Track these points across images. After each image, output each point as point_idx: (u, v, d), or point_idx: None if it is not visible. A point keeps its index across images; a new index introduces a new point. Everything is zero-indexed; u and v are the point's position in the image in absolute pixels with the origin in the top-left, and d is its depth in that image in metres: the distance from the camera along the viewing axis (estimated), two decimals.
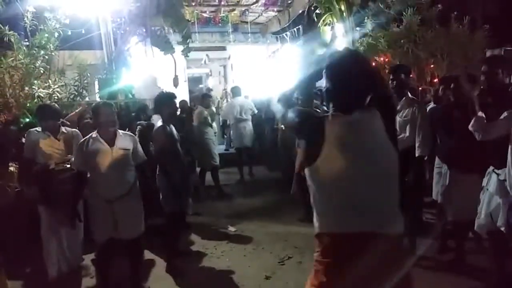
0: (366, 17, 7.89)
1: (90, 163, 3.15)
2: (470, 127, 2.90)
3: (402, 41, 7.32)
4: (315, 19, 8.71)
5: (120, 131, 3.31)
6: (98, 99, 6.97)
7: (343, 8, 7.90)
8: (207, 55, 13.23)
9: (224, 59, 13.98)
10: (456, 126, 3.40)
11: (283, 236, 4.54)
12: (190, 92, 12.62)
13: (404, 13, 7.35)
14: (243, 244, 4.47)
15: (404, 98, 3.68)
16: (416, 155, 3.58)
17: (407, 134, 3.61)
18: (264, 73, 11.77)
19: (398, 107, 3.67)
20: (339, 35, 8.12)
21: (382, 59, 7.66)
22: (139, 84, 7.89)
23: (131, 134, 3.49)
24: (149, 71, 8.59)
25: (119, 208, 3.12)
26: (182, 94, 9.24)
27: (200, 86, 15.33)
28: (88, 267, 3.99)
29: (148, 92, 7.57)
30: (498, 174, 2.94)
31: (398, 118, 3.64)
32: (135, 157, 3.30)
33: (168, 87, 8.02)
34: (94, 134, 3.21)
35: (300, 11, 9.84)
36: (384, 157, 1.57)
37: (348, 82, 1.59)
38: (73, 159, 3.52)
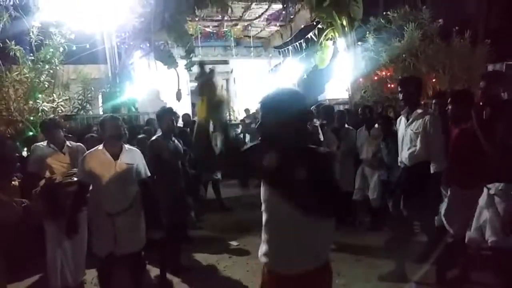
0: (367, 32, 7.96)
1: (93, 176, 3.15)
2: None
3: (404, 55, 7.38)
4: (317, 34, 8.81)
5: (126, 146, 3.32)
6: (101, 113, 7.02)
7: (344, 23, 7.99)
8: (210, 69, 13.34)
9: (226, 73, 14.10)
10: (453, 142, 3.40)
11: None
12: (193, 105, 12.71)
13: (405, 27, 7.41)
14: (246, 258, 4.43)
15: (415, 110, 3.59)
16: (432, 171, 3.42)
17: (418, 147, 3.48)
18: (266, 87, 11.84)
19: (410, 119, 3.59)
20: (341, 50, 8.19)
21: (384, 73, 7.70)
22: (143, 98, 7.95)
23: (137, 149, 3.49)
24: (152, 85, 8.67)
25: (119, 222, 3.10)
26: (185, 108, 9.31)
27: None
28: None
29: (152, 105, 7.61)
30: (488, 189, 2.96)
31: (409, 131, 3.58)
32: (139, 172, 3.30)
33: (171, 101, 8.09)
34: (100, 147, 3.22)
35: (302, 26, 9.96)
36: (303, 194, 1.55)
37: (274, 119, 1.64)
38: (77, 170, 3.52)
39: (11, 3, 5.99)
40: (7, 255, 3.22)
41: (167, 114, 3.98)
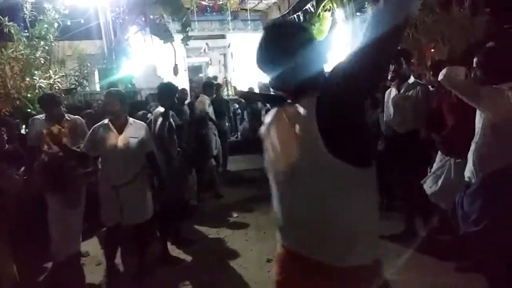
0: (366, 2, 7.82)
1: (99, 149, 3.23)
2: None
3: None
4: (315, 5, 8.66)
5: (131, 119, 3.37)
6: (98, 89, 7.00)
7: None
8: (206, 44, 13.18)
9: (224, 48, 13.92)
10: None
11: None
12: (190, 81, 12.63)
13: None
14: (245, 229, 4.54)
15: (407, 81, 3.70)
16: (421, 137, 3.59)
17: (410, 116, 3.62)
18: None
19: (402, 90, 3.69)
20: (339, 21, 8.08)
21: None
22: (139, 74, 7.90)
23: (142, 122, 3.54)
24: (148, 60, 8.59)
25: (124, 194, 3.18)
26: (182, 83, 9.24)
27: (200, 75, 15.30)
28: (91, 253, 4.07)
29: (148, 81, 7.58)
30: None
31: (401, 100, 3.67)
32: (145, 145, 3.35)
33: (168, 76, 8.04)
34: (106, 120, 3.29)
35: None
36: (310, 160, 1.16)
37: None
38: (82, 144, 3.57)
39: None
40: (9, 228, 3.32)
41: (170, 90, 3.95)
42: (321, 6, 8.32)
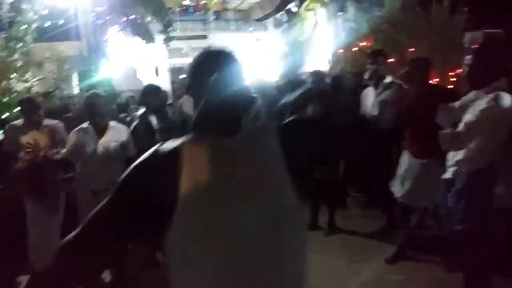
0: (347, 2, 7.87)
1: (79, 154, 3.15)
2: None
3: (384, 25, 7.35)
4: (299, 5, 8.68)
5: (112, 123, 3.31)
6: (76, 92, 6.86)
7: None
8: (188, 44, 13.07)
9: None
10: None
11: None
12: (173, 82, 12.48)
13: None
14: None
15: (383, 80, 3.77)
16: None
17: (385, 116, 3.67)
18: (248, 61, 11.71)
19: (378, 90, 3.76)
20: (322, 21, 8.12)
21: (364, 43, 7.69)
22: (119, 76, 7.76)
23: (124, 126, 3.47)
24: (129, 62, 8.45)
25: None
26: (164, 85, 9.13)
27: (182, 76, 15.14)
28: None
29: (128, 83, 7.46)
30: None
31: (377, 100, 3.73)
32: (127, 149, 3.28)
33: (148, 78, 7.94)
34: (85, 124, 3.22)
35: None
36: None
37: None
38: (63, 149, 3.48)
39: None
40: None
41: (153, 91, 3.89)
42: (304, 6, 8.33)
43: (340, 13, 8.07)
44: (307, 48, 9.56)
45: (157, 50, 7.90)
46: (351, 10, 7.72)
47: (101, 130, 3.20)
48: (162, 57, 10.32)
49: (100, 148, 3.14)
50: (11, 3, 5.76)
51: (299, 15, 8.66)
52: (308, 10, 8.25)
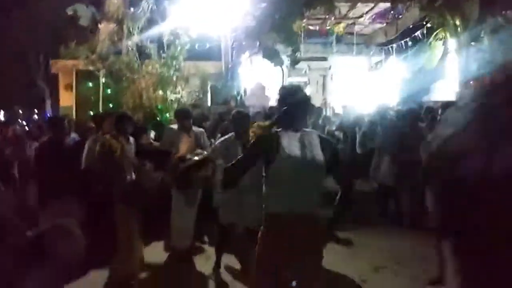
0: (483, 32, 7.50)
1: (224, 158, 3.71)
2: None
3: None
4: (426, 33, 8.54)
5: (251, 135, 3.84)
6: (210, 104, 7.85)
7: (457, 22, 7.64)
8: (308, 65, 13.63)
9: (324, 69, 14.20)
10: None
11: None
12: None
13: None
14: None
15: None
16: None
17: None
18: (365, 85, 11.76)
19: None
20: (452, 50, 7.87)
21: (497, 76, 7.21)
22: (249, 93, 8.62)
23: None
24: (259, 81, 9.29)
25: (247, 199, 3.49)
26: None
27: None
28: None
29: (258, 100, 8.23)
30: None
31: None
32: None
33: (274, 96, 8.62)
34: (231, 135, 3.77)
35: (410, 25, 9.68)
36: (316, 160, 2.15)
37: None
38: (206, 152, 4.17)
39: (149, 8, 7.03)
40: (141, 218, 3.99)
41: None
42: (433, 35, 8.17)
43: (473, 43, 7.72)
44: (434, 76, 9.28)
45: (281, 69, 8.57)
46: (486, 41, 7.35)
47: (245, 142, 3.55)
48: (284, 76, 11.02)
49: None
50: (172, 29, 7.00)
51: (427, 43, 8.51)
52: (438, 39, 8.07)
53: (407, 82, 9.56)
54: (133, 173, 3.96)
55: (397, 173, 5.18)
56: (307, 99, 2.34)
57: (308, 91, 14.54)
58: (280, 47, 8.90)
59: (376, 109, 6.08)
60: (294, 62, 8.25)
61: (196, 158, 4.23)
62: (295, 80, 15.27)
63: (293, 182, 2.12)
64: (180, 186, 4.33)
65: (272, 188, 2.21)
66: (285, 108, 2.22)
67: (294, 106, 2.21)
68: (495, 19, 7.39)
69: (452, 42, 7.85)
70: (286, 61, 8.56)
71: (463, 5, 7.59)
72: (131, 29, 7.10)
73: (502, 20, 7.30)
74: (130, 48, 6.86)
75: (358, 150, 5.22)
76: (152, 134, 5.72)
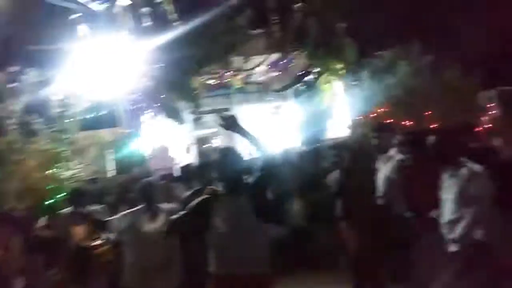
0: (362, 72, 8.37)
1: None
2: None
3: (397, 91, 7.74)
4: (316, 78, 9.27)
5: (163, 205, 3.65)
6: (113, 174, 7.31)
7: (339, 67, 8.45)
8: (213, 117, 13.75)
9: None
10: None
11: None
12: (199, 152, 12.98)
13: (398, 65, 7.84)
14: None
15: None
16: None
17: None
18: (268, 129, 12.18)
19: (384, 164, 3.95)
20: (339, 91, 8.61)
21: (381, 110, 8.04)
22: (153, 156, 8.27)
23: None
24: (161, 142, 8.99)
25: None
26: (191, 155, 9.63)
27: (207, 145, 15.73)
28: None
29: (163, 162, 7.93)
30: None
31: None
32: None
33: (179, 155, 8.43)
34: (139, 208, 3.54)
35: (302, 71, 10.43)
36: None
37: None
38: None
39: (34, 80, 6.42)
40: None
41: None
42: (322, 78, 8.91)
43: (355, 83, 8.55)
44: (327, 116, 10.01)
45: (186, 128, 8.48)
46: (365, 80, 8.20)
47: (153, 214, 3.39)
48: (188, 130, 10.92)
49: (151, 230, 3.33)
50: (61, 100, 6.46)
51: (318, 87, 9.22)
52: (326, 82, 8.80)
53: (305, 123, 10.13)
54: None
55: (310, 213, 5.30)
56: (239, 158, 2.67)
57: (217, 141, 14.67)
58: (182, 104, 8.84)
59: (281, 152, 6.29)
60: (198, 118, 8.23)
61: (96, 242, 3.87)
62: (203, 133, 15.33)
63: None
64: (80, 279, 3.86)
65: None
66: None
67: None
68: (372, 61, 8.36)
69: (338, 84, 8.62)
70: (190, 116, 8.51)
71: (343, 51, 8.46)
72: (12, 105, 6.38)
73: (379, 61, 8.28)
74: (12, 127, 6.11)
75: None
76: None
